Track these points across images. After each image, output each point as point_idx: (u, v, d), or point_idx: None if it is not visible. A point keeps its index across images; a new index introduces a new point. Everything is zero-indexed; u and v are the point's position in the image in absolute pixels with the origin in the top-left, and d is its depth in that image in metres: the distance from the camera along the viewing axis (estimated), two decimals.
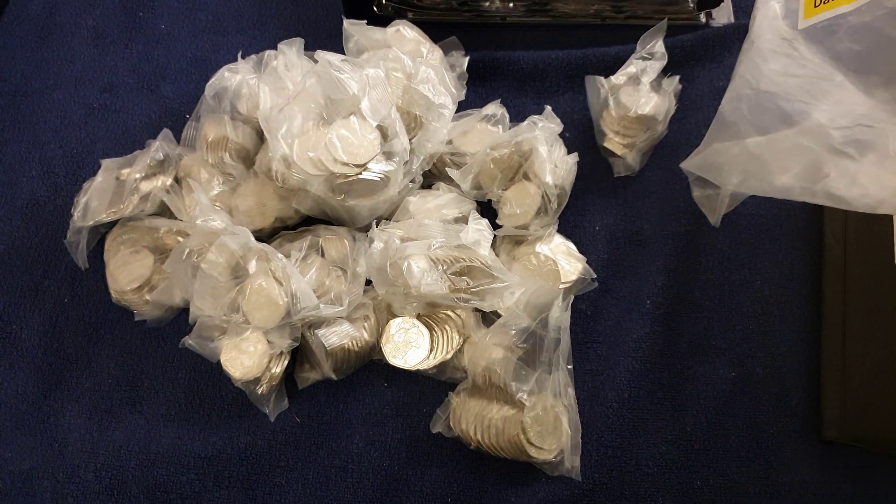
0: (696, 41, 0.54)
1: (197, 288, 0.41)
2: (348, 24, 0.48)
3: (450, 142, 0.48)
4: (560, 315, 0.41)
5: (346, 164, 0.41)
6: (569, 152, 0.48)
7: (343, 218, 0.47)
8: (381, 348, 0.44)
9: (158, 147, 0.48)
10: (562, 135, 0.48)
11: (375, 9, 0.54)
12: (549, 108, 0.48)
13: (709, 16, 0.55)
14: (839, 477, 0.42)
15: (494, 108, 0.49)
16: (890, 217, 0.43)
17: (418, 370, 0.43)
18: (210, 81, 0.48)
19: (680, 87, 0.50)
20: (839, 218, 0.46)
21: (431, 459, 0.43)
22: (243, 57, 0.49)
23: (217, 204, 0.47)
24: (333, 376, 0.44)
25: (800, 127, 0.39)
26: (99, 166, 0.49)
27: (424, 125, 0.45)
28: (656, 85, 0.49)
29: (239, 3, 0.59)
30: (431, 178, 0.49)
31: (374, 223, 0.43)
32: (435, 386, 0.45)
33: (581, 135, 0.52)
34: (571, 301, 0.43)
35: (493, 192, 0.47)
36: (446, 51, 0.51)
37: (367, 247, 0.43)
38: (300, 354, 0.45)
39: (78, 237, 0.47)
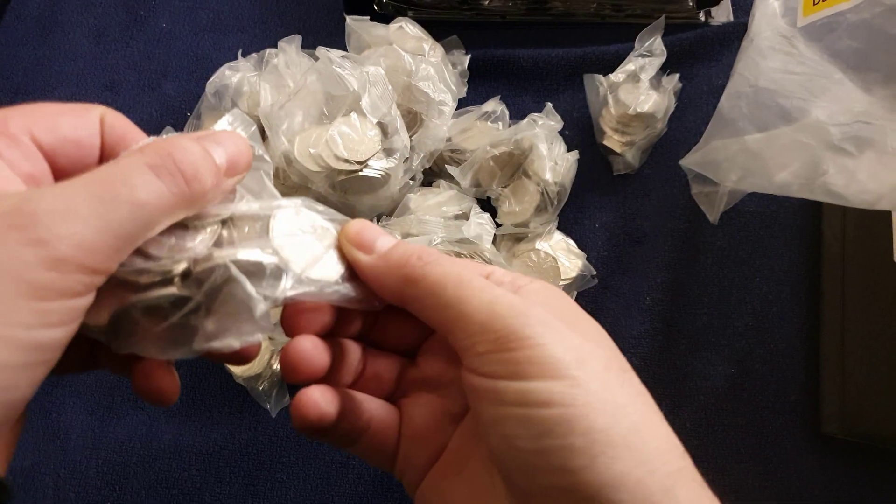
0: (695, 39, 0.54)
1: None
2: (351, 21, 0.48)
3: (450, 139, 0.48)
4: None
5: (347, 161, 0.41)
6: (568, 150, 0.48)
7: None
8: None
9: None
10: (561, 132, 0.48)
11: (376, 7, 0.54)
12: (549, 105, 0.48)
13: (708, 14, 0.55)
14: (838, 472, 0.43)
15: (494, 105, 0.49)
16: (888, 213, 0.44)
17: None
18: (211, 79, 0.48)
19: (680, 84, 0.50)
20: (838, 214, 0.46)
21: None
22: (244, 55, 0.50)
23: None
24: None
25: (798, 124, 0.39)
26: None
27: (425, 122, 0.45)
28: (656, 82, 0.49)
29: (240, 2, 0.59)
30: (432, 175, 0.49)
31: (374, 220, 0.44)
32: None
33: (580, 132, 0.52)
34: (574, 298, 0.43)
35: (493, 190, 0.47)
36: (447, 49, 0.51)
37: None
38: None
39: None
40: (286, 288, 0.23)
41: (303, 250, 0.24)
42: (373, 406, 0.27)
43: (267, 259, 0.22)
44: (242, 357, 0.25)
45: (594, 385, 0.21)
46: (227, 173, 0.23)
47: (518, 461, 0.21)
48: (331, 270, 0.25)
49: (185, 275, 0.22)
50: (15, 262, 0.18)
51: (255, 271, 0.22)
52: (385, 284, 0.25)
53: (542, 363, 0.21)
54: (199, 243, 0.22)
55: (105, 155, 0.24)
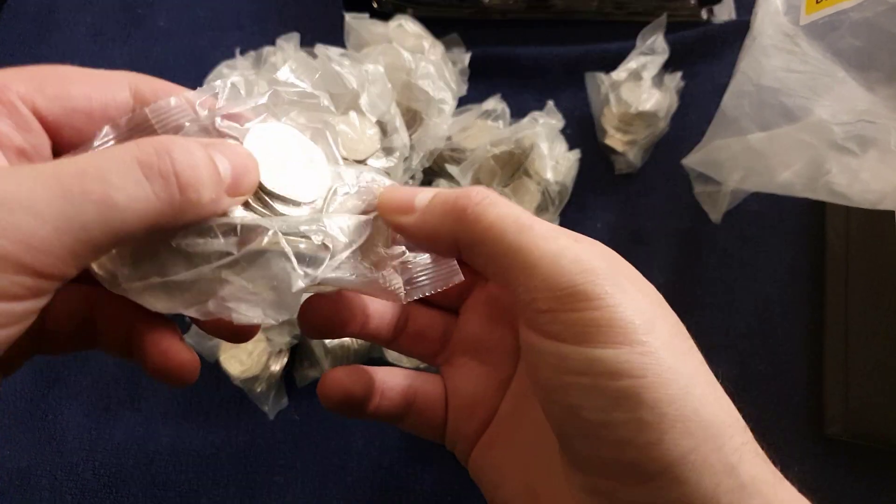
0: (697, 38, 0.53)
1: None
2: (350, 18, 0.48)
3: (450, 138, 0.47)
4: None
5: (346, 160, 0.41)
6: (569, 149, 0.47)
7: None
8: None
9: None
10: (562, 131, 0.48)
11: (375, 4, 0.53)
12: (550, 103, 0.48)
13: (710, 12, 0.55)
14: (841, 474, 0.42)
15: (495, 104, 0.48)
16: (891, 213, 0.43)
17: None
18: (208, 77, 0.48)
19: (682, 83, 0.50)
20: (841, 214, 0.46)
21: (431, 458, 0.43)
22: (242, 53, 0.49)
23: None
24: None
25: (801, 123, 0.39)
26: None
27: (424, 121, 0.45)
28: (658, 81, 0.49)
29: (238, 0, 0.58)
30: (432, 174, 0.49)
31: None
32: None
33: (582, 131, 0.52)
34: None
35: (494, 189, 0.47)
36: (448, 46, 0.50)
37: None
38: (299, 352, 0.45)
39: None
40: (326, 268, 0.21)
41: (347, 231, 0.22)
42: (417, 382, 0.27)
43: (315, 237, 0.21)
44: (240, 335, 0.23)
45: (664, 353, 0.19)
46: (228, 190, 0.20)
47: (581, 431, 0.20)
48: (367, 256, 0.24)
49: (229, 231, 0.20)
50: None
51: (300, 247, 0.21)
52: (437, 237, 0.22)
53: (611, 327, 0.19)
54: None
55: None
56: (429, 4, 0.53)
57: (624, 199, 0.50)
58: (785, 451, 0.45)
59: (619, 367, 0.19)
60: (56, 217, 0.16)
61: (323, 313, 0.24)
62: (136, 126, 0.21)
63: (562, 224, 0.47)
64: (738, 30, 0.52)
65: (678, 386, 0.19)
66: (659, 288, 0.53)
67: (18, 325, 0.17)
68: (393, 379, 0.26)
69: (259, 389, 0.43)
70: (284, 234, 0.20)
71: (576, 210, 0.49)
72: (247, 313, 0.20)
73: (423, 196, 0.23)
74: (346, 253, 0.22)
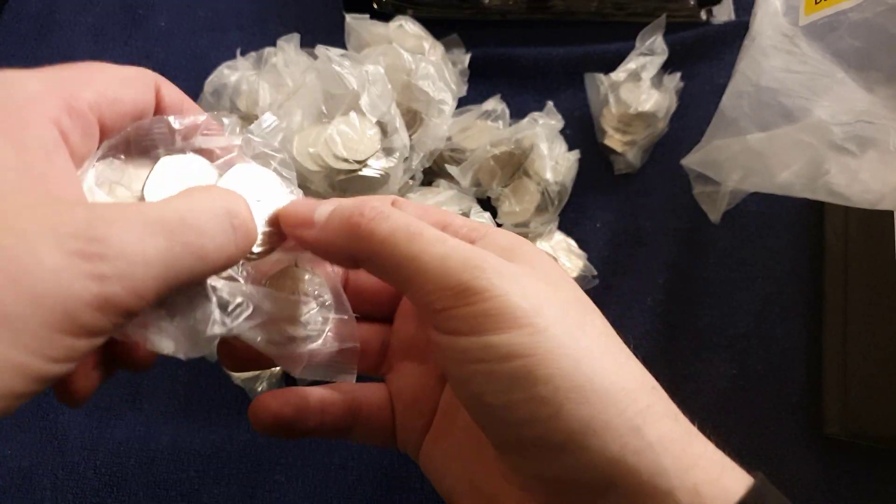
0: (696, 38, 0.53)
1: None
2: (350, 19, 0.48)
3: (450, 138, 0.47)
4: None
5: (346, 161, 0.41)
6: (569, 149, 0.47)
7: None
8: None
9: None
10: (562, 132, 0.48)
11: (375, 5, 0.54)
12: (550, 103, 0.48)
13: (709, 13, 0.55)
14: (840, 473, 0.42)
15: (494, 104, 0.48)
16: (891, 213, 0.43)
17: None
18: (209, 78, 0.48)
19: (681, 83, 0.50)
20: (840, 214, 0.46)
21: None
22: (242, 54, 0.49)
23: None
24: None
25: (801, 123, 0.39)
26: None
27: (424, 121, 0.45)
28: (657, 81, 0.49)
29: (238, 0, 0.58)
30: (432, 174, 0.49)
31: None
32: None
33: (581, 132, 0.52)
34: None
35: (493, 189, 0.47)
36: (448, 47, 0.50)
37: None
38: None
39: None
40: (243, 324, 0.23)
41: (270, 304, 0.24)
42: (360, 393, 0.27)
43: (241, 297, 0.23)
44: (138, 362, 0.24)
45: (554, 330, 0.21)
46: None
47: (489, 416, 0.22)
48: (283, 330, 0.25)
49: None
50: (70, 293, 0.16)
51: (228, 299, 0.22)
52: (336, 251, 0.24)
53: (500, 314, 0.21)
54: None
55: None
56: (429, 5, 0.54)
57: (623, 199, 0.50)
58: (784, 450, 0.45)
59: (510, 350, 0.20)
60: (161, 266, 0.18)
61: (246, 346, 0.25)
62: (122, 141, 0.23)
63: (561, 224, 0.48)
64: (737, 30, 0.53)
65: (570, 359, 0.20)
66: (659, 288, 0.53)
67: (90, 353, 0.19)
68: (333, 394, 0.27)
69: (260, 389, 0.43)
70: (213, 286, 0.22)
71: (575, 210, 0.49)
72: (160, 344, 0.21)
73: (323, 210, 0.24)
74: (264, 318, 0.23)
